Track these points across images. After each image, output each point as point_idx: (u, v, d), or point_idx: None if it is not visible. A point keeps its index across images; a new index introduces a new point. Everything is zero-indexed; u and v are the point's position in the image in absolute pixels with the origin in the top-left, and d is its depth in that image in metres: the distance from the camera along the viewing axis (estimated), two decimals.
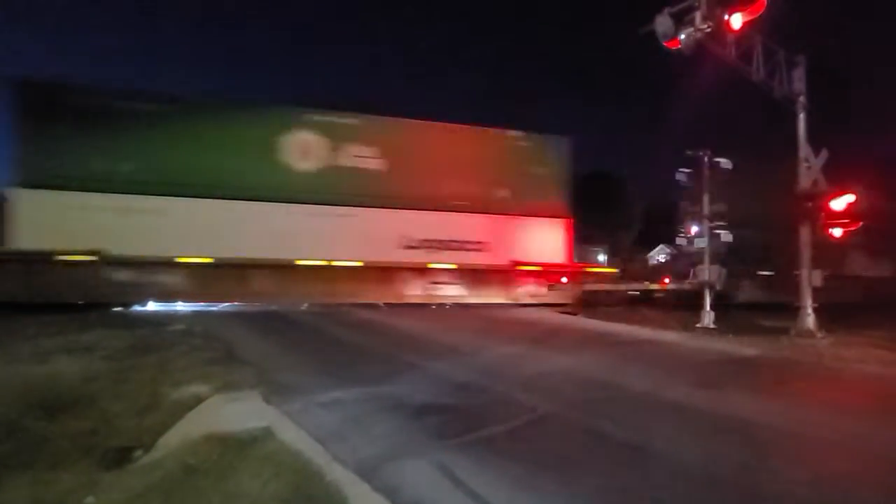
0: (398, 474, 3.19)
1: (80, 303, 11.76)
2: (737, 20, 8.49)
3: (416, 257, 14.73)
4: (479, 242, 15.22)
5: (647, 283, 17.21)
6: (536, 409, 4.69)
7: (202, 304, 13.38)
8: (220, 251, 12.86)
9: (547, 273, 15.50)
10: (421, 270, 14.79)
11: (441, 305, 14.98)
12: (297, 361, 7.02)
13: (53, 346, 7.03)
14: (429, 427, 4.14)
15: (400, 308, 14.14)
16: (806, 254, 10.31)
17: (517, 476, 3.22)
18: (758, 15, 8.45)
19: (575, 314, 14.00)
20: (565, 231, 16.02)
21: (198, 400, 4.67)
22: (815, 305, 10.08)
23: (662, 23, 8.63)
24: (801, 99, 10.40)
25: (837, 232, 9.93)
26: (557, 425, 4.37)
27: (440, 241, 15.00)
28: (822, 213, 9.96)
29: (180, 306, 13.32)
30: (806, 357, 7.91)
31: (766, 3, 8.32)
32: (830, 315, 10.53)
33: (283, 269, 13.50)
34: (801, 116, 10.43)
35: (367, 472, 3.15)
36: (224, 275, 13.20)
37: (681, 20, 8.60)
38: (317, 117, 14.21)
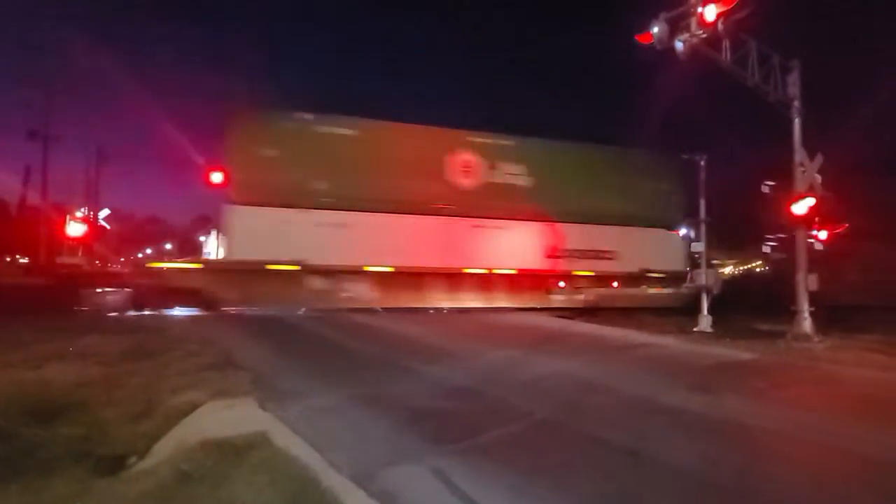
0: (395, 481, 3.17)
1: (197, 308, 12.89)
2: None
3: (560, 265, 16.30)
4: (611, 252, 16.65)
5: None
6: (533, 414, 4.68)
7: (198, 309, 13.36)
8: (399, 261, 14.27)
9: (669, 279, 16.55)
10: (564, 277, 16.18)
11: (442, 310, 14.98)
12: (293, 366, 6.99)
13: (47, 352, 6.96)
14: (425, 432, 4.12)
15: (397, 312, 14.16)
16: (801, 258, 10.35)
17: (514, 482, 3.21)
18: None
19: (571, 318, 13.99)
20: (682, 240, 17.22)
21: (193, 406, 4.63)
22: (812, 309, 10.12)
23: (658, 29, 8.68)
24: (796, 103, 10.47)
25: (822, 235, 10.04)
26: (554, 430, 4.36)
27: (579, 251, 16.50)
28: (817, 218, 10.06)
29: (176, 311, 13.26)
30: (802, 361, 7.92)
31: None
32: (827, 318, 10.57)
33: (452, 277, 15.05)
34: (796, 121, 10.49)
35: (363, 479, 3.13)
36: (403, 282, 14.57)
37: (676, 26, 8.66)
38: (477, 139, 15.74)
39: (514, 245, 15.53)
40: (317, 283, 13.67)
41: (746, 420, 4.64)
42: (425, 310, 14.79)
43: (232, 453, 3.50)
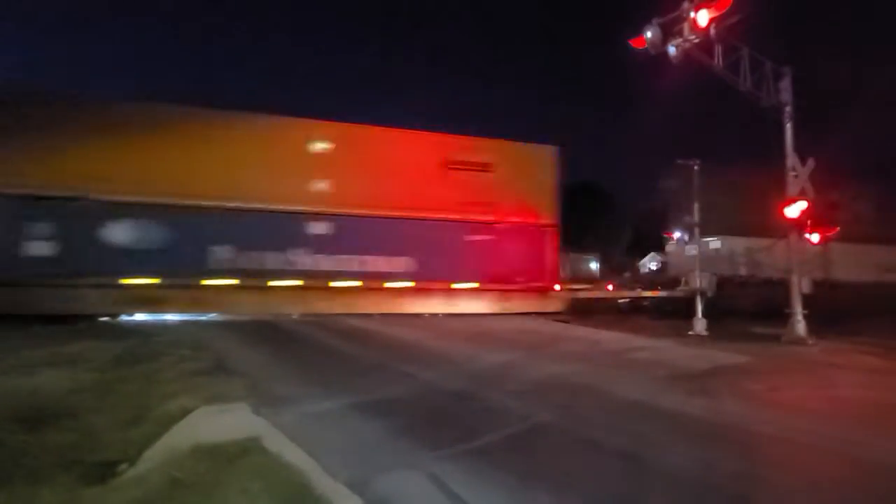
0: (390, 486, 3.13)
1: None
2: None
3: None
4: None
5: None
6: (530, 418, 4.65)
7: (192, 313, 13.29)
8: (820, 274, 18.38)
9: None
10: None
11: (435, 314, 14.98)
12: (287, 372, 6.92)
13: (37, 358, 6.86)
14: (421, 437, 4.08)
15: (391, 317, 14.16)
16: (794, 260, 10.42)
17: (511, 487, 3.18)
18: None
19: (567, 322, 14.00)
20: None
21: (185, 412, 4.55)
22: (806, 312, 10.18)
23: (651, 33, 8.76)
24: (788, 109, 10.58)
25: (815, 237, 10.11)
26: (551, 434, 4.33)
27: None
28: (809, 221, 10.13)
29: (170, 316, 13.15)
30: (797, 364, 7.96)
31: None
32: (821, 321, 10.63)
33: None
34: (788, 126, 10.60)
35: (358, 485, 3.08)
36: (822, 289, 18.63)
37: (669, 31, 8.74)
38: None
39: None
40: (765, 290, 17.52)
41: (743, 423, 4.64)
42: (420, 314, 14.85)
43: (225, 459, 3.44)
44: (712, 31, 8.70)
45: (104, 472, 3.48)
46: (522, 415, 4.74)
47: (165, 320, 12.73)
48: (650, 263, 31.91)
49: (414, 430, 4.25)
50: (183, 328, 11.30)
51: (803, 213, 9.84)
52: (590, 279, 25.47)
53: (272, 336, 10.67)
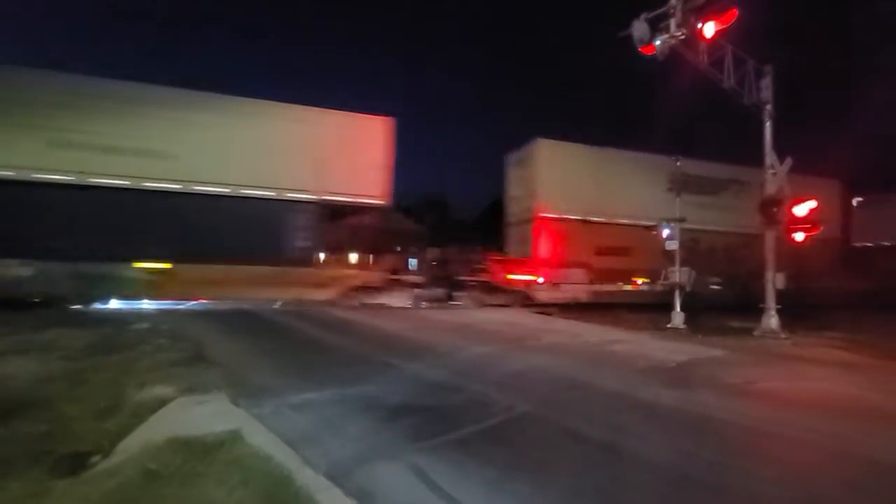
0: (372, 478, 3.12)
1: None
2: (709, 29, 8.73)
3: None
4: None
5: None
6: (512, 409, 4.68)
7: (169, 301, 13.02)
8: None
9: None
10: None
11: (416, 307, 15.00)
12: (267, 362, 6.84)
13: (5, 346, 6.64)
14: (403, 428, 4.07)
15: (374, 308, 14.11)
16: (770, 257, 10.68)
17: (492, 478, 3.20)
18: (730, 24, 8.71)
19: (550, 315, 14.14)
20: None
21: (162, 402, 4.47)
22: (779, 307, 10.46)
23: (639, 28, 8.79)
24: (768, 107, 10.77)
25: (800, 236, 10.34)
26: (532, 425, 4.38)
27: None
28: (787, 219, 10.36)
29: (146, 304, 12.87)
30: (769, 357, 8.18)
31: (737, 12, 8.58)
32: (792, 316, 10.95)
33: None
34: (768, 124, 10.80)
35: (339, 477, 3.07)
36: None
37: (656, 26, 8.79)
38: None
39: None
40: None
41: (718, 414, 4.76)
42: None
43: (202, 451, 3.38)
44: (706, 32, 8.80)
45: (76, 463, 3.40)
46: (504, 406, 4.77)
47: (141, 308, 12.45)
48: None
49: (396, 422, 4.24)
50: (160, 317, 11.06)
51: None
52: None
53: (252, 326, 10.52)
